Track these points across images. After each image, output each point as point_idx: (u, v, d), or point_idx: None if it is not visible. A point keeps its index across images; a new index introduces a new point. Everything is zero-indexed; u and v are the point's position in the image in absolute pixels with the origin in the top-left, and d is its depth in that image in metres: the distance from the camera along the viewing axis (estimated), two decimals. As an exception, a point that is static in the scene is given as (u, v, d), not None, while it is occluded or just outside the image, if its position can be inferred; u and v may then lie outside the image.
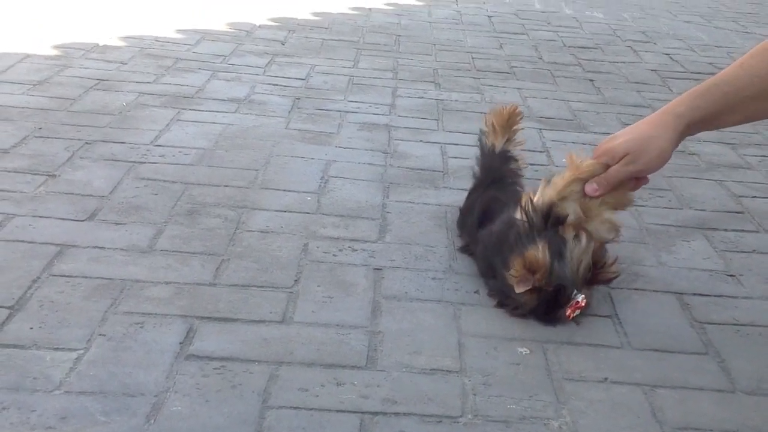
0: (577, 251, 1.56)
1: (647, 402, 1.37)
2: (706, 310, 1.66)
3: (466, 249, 1.81)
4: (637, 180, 1.62)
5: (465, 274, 1.72)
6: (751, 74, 1.51)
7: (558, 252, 1.55)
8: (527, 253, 1.54)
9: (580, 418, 1.32)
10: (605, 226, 1.63)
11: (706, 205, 2.13)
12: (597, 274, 1.60)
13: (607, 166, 1.58)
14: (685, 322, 1.62)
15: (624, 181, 1.59)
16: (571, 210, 1.60)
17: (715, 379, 1.45)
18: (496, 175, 1.90)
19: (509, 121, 1.93)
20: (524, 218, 1.59)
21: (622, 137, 1.58)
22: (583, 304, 1.55)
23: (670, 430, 1.30)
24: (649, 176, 1.62)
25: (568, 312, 1.55)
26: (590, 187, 1.59)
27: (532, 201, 1.60)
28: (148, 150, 2.25)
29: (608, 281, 1.65)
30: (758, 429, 1.32)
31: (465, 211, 1.89)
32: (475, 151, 2.00)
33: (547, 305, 1.56)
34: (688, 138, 1.60)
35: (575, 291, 1.56)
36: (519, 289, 1.54)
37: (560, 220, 1.58)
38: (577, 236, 1.57)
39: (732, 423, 1.33)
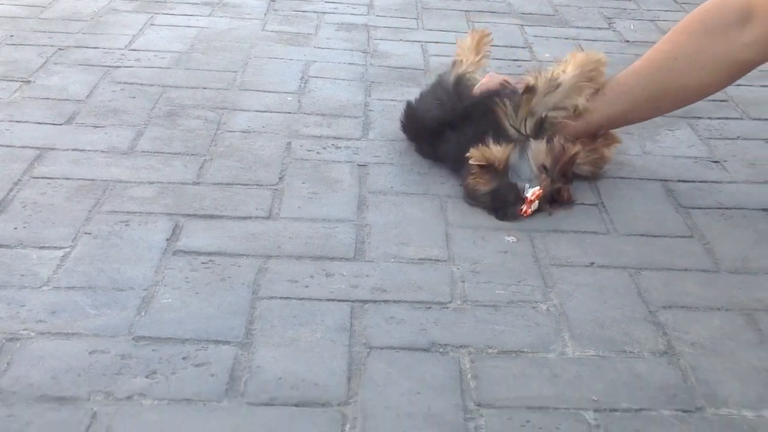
0: (537, 149, 1.59)
1: (633, 284, 1.38)
2: (690, 195, 1.67)
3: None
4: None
5: (451, 168, 1.71)
6: (641, 76, 1.65)
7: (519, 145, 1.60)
8: (487, 147, 1.57)
9: (568, 301, 1.33)
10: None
11: (690, 94, 2.11)
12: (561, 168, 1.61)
13: None
14: (671, 207, 1.62)
15: None
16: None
17: (699, 261, 1.46)
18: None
19: (479, 45, 1.89)
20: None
21: None
22: (534, 198, 1.55)
23: (656, 309, 1.31)
24: None
25: (524, 208, 1.55)
26: None
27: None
28: (122, 54, 2.21)
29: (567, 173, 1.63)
30: (742, 305, 1.34)
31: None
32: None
33: (500, 203, 1.57)
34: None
35: (527, 186, 1.56)
36: (474, 162, 1.56)
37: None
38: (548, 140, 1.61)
39: (716, 301, 1.35)
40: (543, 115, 1.62)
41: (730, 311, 1.32)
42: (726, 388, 1.15)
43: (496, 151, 1.56)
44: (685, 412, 1.11)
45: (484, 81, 1.75)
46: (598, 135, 1.71)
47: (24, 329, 1.18)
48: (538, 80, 1.63)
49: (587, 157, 1.68)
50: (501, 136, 1.60)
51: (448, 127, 1.69)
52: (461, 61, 1.86)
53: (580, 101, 1.64)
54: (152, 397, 1.08)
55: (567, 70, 1.65)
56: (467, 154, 1.56)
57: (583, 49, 2.41)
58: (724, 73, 1.64)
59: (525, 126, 1.62)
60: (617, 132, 1.76)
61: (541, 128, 1.62)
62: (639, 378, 1.16)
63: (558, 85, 1.63)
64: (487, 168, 1.56)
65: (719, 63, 1.61)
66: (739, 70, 1.64)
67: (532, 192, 1.55)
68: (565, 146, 1.60)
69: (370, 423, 1.06)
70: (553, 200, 1.58)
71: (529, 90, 1.63)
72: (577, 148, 1.62)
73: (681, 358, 1.21)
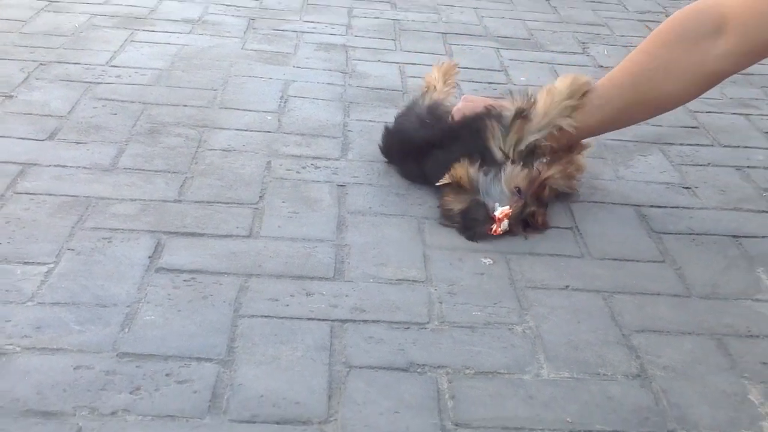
0: (511, 172, 1.62)
1: (607, 307, 1.41)
2: (662, 220, 1.71)
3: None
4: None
5: (428, 190, 1.73)
6: (617, 86, 1.67)
7: (494, 167, 1.62)
8: (459, 165, 1.60)
9: (543, 323, 1.36)
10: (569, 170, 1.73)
11: (663, 120, 2.15)
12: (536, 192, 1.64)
13: None
14: (643, 232, 1.66)
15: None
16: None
17: (671, 285, 1.49)
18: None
19: (446, 75, 1.94)
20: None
21: None
22: (503, 216, 1.57)
23: (629, 333, 1.35)
24: None
25: (494, 227, 1.58)
26: None
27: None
28: (103, 71, 2.22)
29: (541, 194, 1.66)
30: (712, 330, 1.37)
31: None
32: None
33: (470, 221, 1.60)
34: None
35: (496, 205, 1.59)
36: (441, 182, 1.61)
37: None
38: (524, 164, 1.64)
39: (687, 325, 1.38)
40: (533, 142, 1.66)
41: (701, 336, 1.36)
42: (697, 411, 1.19)
43: (463, 169, 1.59)
44: (656, 434, 1.15)
45: (462, 105, 1.78)
46: (573, 145, 1.74)
47: (9, 344, 1.19)
48: (529, 107, 1.66)
49: (565, 170, 1.72)
50: (487, 157, 1.63)
51: (436, 146, 1.72)
52: (433, 87, 1.90)
53: (565, 122, 1.67)
54: (136, 413, 1.09)
55: (554, 95, 1.66)
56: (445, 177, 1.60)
57: (558, 75, 2.47)
58: (698, 83, 1.65)
59: (513, 150, 1.65)
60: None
61: (529, 154, 1.65)
62: (612, 400, 1.19)
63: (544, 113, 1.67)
64: (456, 187, 1.60)
65: (693, 73, 1.62)
66: (712, 80, 1.66)
67: (500, 211, 1.58)
68: (541, 170, 1.64)
69: (350, 441, 1.08)
70: (527, 224, 1.62)
71: (522, 117, 1.65)
72: (551, 171, 1.65)
73: (653, 381, 1.24)
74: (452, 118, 1.78)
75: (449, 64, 1.97)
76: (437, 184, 1.61)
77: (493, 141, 1.65)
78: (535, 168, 1.63)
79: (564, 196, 1.74)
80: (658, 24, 1.69)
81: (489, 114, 1.68)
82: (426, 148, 1.73)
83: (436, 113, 1.81)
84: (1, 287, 1.31)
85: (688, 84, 1.65)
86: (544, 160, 1.67)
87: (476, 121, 1.70)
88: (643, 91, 1.66)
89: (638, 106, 1.70)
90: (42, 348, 1.19)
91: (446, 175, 1.60)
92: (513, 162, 1.63)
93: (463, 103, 1.79)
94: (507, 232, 1.59)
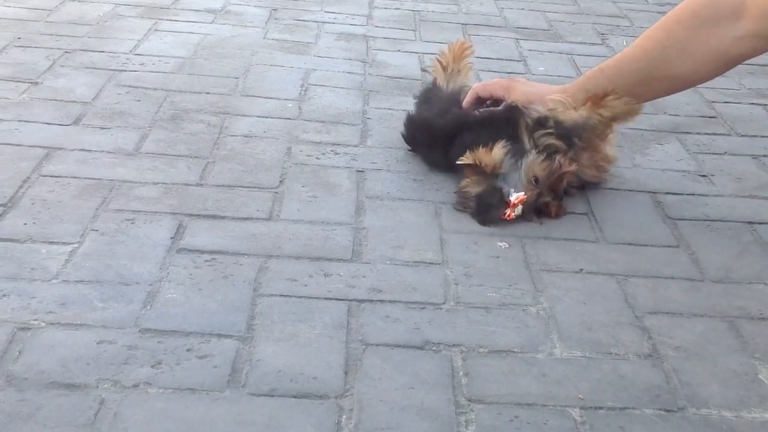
0: (532, 161, 1.63)
1: (620, 290, 1.43)
2: (678, 207, 1.72)
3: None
4: None
5: (445, 176, 1.75)
6: (631, 60, 1.68)
7: (516, 155, 1.63)
8: (483, 150, 1.61)
9: (557, 305, 1.38)
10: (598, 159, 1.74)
11: (680, 110, 2.17)
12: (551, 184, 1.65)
13: None
14: (658, 218, 1.68)
15: None
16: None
17: (685, 269, 1.51)
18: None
19: (461, 55, 1.96)
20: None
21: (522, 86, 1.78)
22: (517, 201, 1.59)
23: (642, 315, 1.37)
24: None
25: (507, 212, 1.60)
26: None
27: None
28: (127, 59, 2.26)
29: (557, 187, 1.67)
30: (725, 313, 1.39)
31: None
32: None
33: (484, 206, 1.61)
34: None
35: (512, 190, 1.61)
36: (461, 161, 1.61)
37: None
38: (546, 155, 1.65)
39: (700, 308, 1.40)
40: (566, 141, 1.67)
41: (713, 318, 1.37)
42: (707, 389, 1.21)
43: (486, 154, 1.61)
44: (667, 411, 1.16)
45: (477, 87, 1.81)
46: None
47: (35, 319, 1.23)
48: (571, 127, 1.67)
49: (592, 159, 1.73)
50: (515, 145, 1.64)
51: (465, 129, 1.73)
52: (457, 70, 1.92)
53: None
54: (158, 386, 1.13)
55: (602, 113, 1.67)
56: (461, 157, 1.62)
57: (577, 66, 2.48)
58: (713, 65, 1.65)
59: (543, 146, 1.65)
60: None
61: (556, 151, 1.66)
62: (624, 378, 1.21)
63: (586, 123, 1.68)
64: (476, 169, 1.62)
65: (709, 55, 1.62)
66: (728, 63, 1.65)
67: (516, 196, 1.60)
68: (562, 163, 1.65)
69: (365, 415, 1.11)
70: (540, 213, 1.63)
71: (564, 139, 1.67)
72: (572, 167, 1.66)
73: (665, 361, 1.26)
74: (469, 97, 1.80)
75: (461, 43, 1.97)
76: (457, 162, 1.63)
77: (527, 133, 1.67)
78: (556, 161, 1.64)
79: (589, 186, 1.75)
80: (678, 15, 1.69)
81: (530, 114, 1.69)
82: (452, 134, 1.75)
83: (459, 99, 1.83)
84: (27, 265, 1.35)
85: (703, 65, 1.65)
86: (569, 153, 1.68)
87: (515, 112, 1.71)
88: (655, 67, 1.66)
89: (650, 83, 1.69)
90: (66, 323, 1.23)
91: (467, 155, 1.61)
92: (537, 152, 1.65)
93: (475, 87, 1.82)
94: (521, 218, 1.61)
